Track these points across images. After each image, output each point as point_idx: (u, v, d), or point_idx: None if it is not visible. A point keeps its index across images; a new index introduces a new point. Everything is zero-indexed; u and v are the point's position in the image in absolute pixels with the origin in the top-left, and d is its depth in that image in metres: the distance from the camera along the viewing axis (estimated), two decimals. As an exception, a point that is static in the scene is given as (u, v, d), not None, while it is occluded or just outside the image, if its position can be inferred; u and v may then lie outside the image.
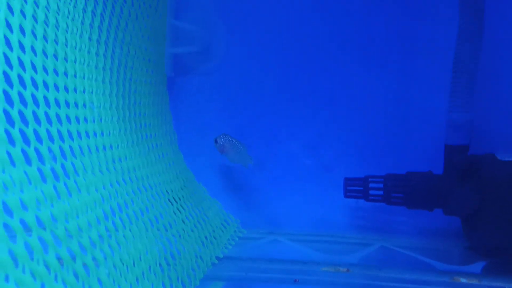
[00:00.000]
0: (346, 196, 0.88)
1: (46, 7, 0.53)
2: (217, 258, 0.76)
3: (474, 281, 0.71)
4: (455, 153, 0.84)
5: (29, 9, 0.48)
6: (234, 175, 1.01)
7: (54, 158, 0.42)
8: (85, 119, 0.55)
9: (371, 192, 0.87)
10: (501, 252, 0.80)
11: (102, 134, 0.58)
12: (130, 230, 0.52)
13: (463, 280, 0.72)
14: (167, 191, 0.74)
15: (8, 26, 0.44)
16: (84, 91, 0.57)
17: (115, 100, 0.66)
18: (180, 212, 0.73)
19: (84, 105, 0.56)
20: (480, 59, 0.83)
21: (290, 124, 1.00)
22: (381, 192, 0.86)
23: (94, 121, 0.56)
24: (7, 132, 0.36)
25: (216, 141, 0.85)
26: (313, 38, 0.98)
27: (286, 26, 0.99)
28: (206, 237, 0.77)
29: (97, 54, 0.64)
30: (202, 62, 1.01)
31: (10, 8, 0.44)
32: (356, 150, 0.97)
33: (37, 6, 0.51)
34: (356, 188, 0.88)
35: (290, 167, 1.00)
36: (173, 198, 0.76)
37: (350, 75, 0.96)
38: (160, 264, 0.56)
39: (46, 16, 0.52)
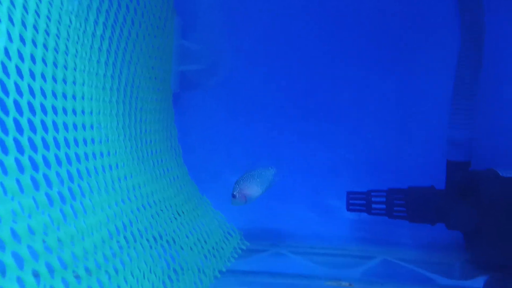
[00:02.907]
0: (348, 209, 0.89)
1: (56, 34, 0.55)
2: (220, 272, 0.76)
3: (476, 297, 0.72)
4: (456, 169, 0.85)
5: (40, 38, 0.50)
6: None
7: (62, 182, 0.43)
8: (93, 141, 0.56)
9: (373, 206, 0.87)
10: (503, 267, 0.80)
11: (109, 154, 0.59)
12: (134, 249, 0.53)
13: (464, 295, 0.73)
14: (171, 205, 0.75)
15: (20, 56, 0.46)
16: (91, 113, 0.59)
17: (122, 119, 0.67)
18: (184, 226, 0.74)
19: (92, 127, 0.57)
20: (481, 75, 0.83)
21: (294, 138, 1.00)
22: (383, 206, 0.86)
23: (101, 142, 0.58)
24: (16, 160, 0.38)
25: (234, 196, 0.73)
26: (318, 54, 0.99)
27: (291, 42, 1.00)
28: (209, 251, 0.78)
29: (104, 75, 0.66)
30: (208, 77, 1.03)
31: (22, 38, 0.46)
32: (359, 164, 0.97)
33: (48, 35, 0.53)
34: (358, 201, 0.88)
35: (294, 180, 1.01)
36: (177, 212, 0.76)
37: (354, 91, 0.97)
38: (163, 282, 0.57)
39: (57, 44, 0.54)
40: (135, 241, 0.55)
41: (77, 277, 0.39)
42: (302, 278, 0.77)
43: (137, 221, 0.58)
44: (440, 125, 0.91)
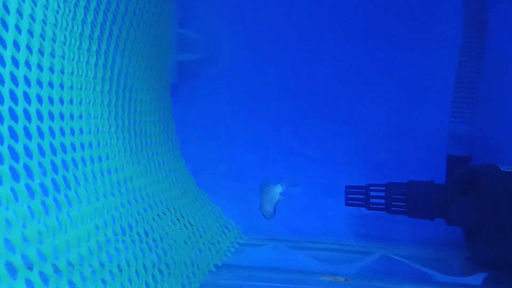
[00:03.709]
0: (347, 204, 0.87)
1: (43, 20, 0.53)
2: (215, 266, 0.75)
3: (474, 294, 0.71)
4: (457, 164, 0.83)
5: (25, 23, 0.48)
6: (237, 181, 1.00)
7: (44, 173, 0.42)
8: (81, 131, 0.55)
9: (372, 200, 0.85)
10: (503, 264, 0.78)
11: (98, 145, 0.58)
12: (123, 242, 0.52)
13: (463, 292, 0.71)
14: (166, 199, 0.74)
15: (2, 42, 0.44)
16: (80, 103, 0.57)
17: (114, 110, 0.66)
18: (178, 220, 0.73)
19: (80, 117, 0.56)
20: (482, 70, 0.81)
21: (294, 130, 0.99)
22: (382, 201, 0.85)
23: (90, 133, 0.56)
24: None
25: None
26: (318, 45, 0.97)
27: (290, 32, 0.98)
28: (204, 245, 0.77)
29: (95, 64, 0.64)
30: (206, 68, 1.01)
31: (4, 23, 0.44)
32: (358, 158, 0.96)
33: (33, 20, 0.51)
34: (357, 196, 0.87)
35: (292, 174, 0.99)
36: (172, 206, 0.75)
37: (353, 84, 0.96)
38: (153, 275, 0.55)
39: (43, 29, 0.52)
40: (124, 234, 0.53)
41: (57, 270, 0.37)
42: (298, 273, 0.76)
43: (128, 215, 0.56)
44: (441, 119, 0.90)
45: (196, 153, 1.01)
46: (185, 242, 0.72)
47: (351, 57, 0.96)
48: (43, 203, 0.40)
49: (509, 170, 0.76)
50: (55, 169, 0.45)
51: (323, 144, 0.98)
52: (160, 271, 0.58)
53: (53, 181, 0.43)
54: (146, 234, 0.62)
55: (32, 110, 0.46)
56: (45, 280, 0.35)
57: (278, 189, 0.74)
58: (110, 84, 0.67)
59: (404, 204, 0.83)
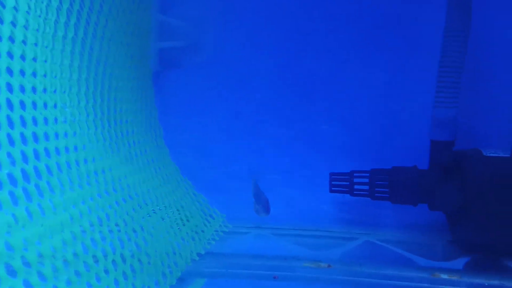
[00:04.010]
0: (331, 191, 0.87)
1: (14, 7, 0.51)
2: (199, 254, 0.75)
3: (455, 277, 0.71)
4: (440, 149, 0.82)
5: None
6: (222, 170, 1.00)
7: (13, 162, 0.41)
8: (55, 120, 0.53)
9: (356, 187, 0.86)
10: (484, 248, 0.79)
11: (75, 134, 0.57)
12: (100, 233, 0.51)
13: (444, 276, 0.71)
14: (148, 189, 0.73)
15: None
16: (55, 91, 0.56)
17: (92, 98, 0.64)
18: (160, 210, 0.72)
19: (55, 106, 0.55)
20: (466, 54, 0.80)
21: (278, 118, 0.99)
22: (366, 187, 0.85)
23: (65, 122, 0.55)
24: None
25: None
26: (305, 33, 0.96)
27: (278, 20, 0.97)
28: (187, 233, 0.77)
29: (72, 52, 0.63)
30: (190, 56, 0.99)
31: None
32: (342, 144, 0.96)
33: (4, 7, 0.49)
34: (341, 183, 0.87)
35: (277, 161, 0.99)
36: (154, 196, 0.75)
37: (340, 72, 0.95)
38: (131, 265, 0.55)
39: (15, 17, 0.51)
40: (101, 224, 0.53)
41: (26, 264, 0.37)
42: (281, 259, 0.77)
43: (106, 205, 0.55)
44: (424, 104, 0.90)
45: (180, 141, 1.00)
46: (167, 231, 0.71)
47: (338, 42, 0.95)
48: (11, 193, 0.39)
49: (493, 154, 0.77)
50: (25, 159, 0.44)
51: (307, 131, 0.98)
52: (139, 260, 0.58)
53: (23, 172, 0.42)
54: (126, 224, 0.61)
55: (1, 99, 0.45)
56: (12, 272, 0.35)
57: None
58: (88, 72, 0.66)
59: (387, 190, 0.83)
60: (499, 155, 0.77)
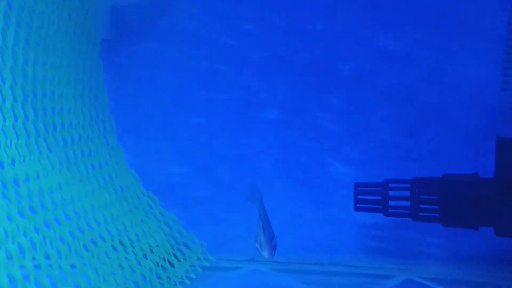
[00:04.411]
0: (356, 208, 0.88)
1: None
2: (165, 302, 0.74)
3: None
4: (510, 149, 0.82)
5: None
6: (201, 180, 1.01)
7: None
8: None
9: (391, 203, 0.86)
10: None
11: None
12: (21, 268, 0.50)
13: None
14: (91, 205, 0.72)
15: None
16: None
17: (10, 77, 0.61)
18: (105, 240, 0.70)
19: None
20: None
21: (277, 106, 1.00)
22: (407, 204, 0.85)
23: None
24: None
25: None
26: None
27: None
28: (150, 269, 0.75)
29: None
30: (152, 18, 1.00)
31: None
32: (371, 145, 0.97)
33: None
34: (371, 197, 0.88)
35: (277, 169, 1.00)
36: (102, 216, 0.73)
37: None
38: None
39: None
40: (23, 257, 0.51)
41: None
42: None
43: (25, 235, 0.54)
44: (488, 90, 0.90)
45: (139, 139, 1.01)
46: (119, 265, 0.70)
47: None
48: None
49: None
50: None
51: (320, 125, 0.99)
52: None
53: None
54: (60, 257, 0.59)
55: None
56: None
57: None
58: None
59: (437, 207, 0.83)
60: None
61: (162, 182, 0.99)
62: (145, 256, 0.77)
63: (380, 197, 0.86)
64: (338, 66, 0.98)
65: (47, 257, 0.56)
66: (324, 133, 0.99)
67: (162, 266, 0.79)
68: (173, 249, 0.86)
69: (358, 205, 0.87)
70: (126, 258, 0.72)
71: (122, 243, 0.75)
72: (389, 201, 0.86)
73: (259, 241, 0.65)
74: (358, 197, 0.87)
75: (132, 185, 0.91)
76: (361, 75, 0.97)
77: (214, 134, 1.01)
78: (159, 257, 0.80)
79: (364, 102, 0.97)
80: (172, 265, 0.83)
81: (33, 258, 0.53)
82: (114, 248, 0.72)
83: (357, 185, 0.88)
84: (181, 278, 0.82)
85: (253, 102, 1.00)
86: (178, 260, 0.85)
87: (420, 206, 0.84)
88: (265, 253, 0.64)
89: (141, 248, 0.78)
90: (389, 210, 0.86)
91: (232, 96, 1.01)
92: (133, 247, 0.76)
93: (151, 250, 0.80)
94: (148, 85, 1.01)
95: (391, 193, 0.86)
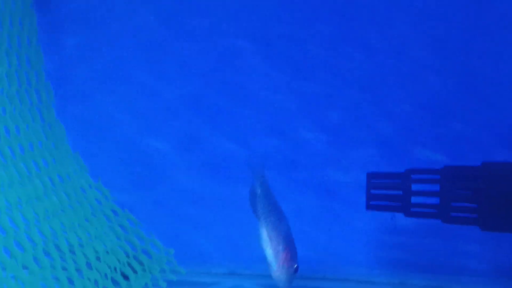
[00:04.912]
0: (369, 207, 0.89)
1: None
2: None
3: None
4: None
5: None
6: (171, 175, 1.02)
7: None
8: None
9: (414, 200, 0.86)
10: None
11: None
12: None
13: None
14: (18, 197, 0.71)
15: None
16: None
17: None
18: (35, 244, 0.70)
19: None
20: None
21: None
22: (434, 200, 0.85)
23: None
24: None
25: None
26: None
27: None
28: (96, 282, 0.76)
29: None
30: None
31: None
32: (390, 130, 0.99)
33: None
34: (387, 192, 0.88)
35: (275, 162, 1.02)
36: (33, 212, 0.73)
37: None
38: None
39: None
40: None
41: None
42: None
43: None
44: None
45: (87, 119, 1.03)
46: (54, 277, 0.70)
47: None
48: None
49: None
50: None
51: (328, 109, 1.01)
52: None
53: None
54: None
55: None
56: None
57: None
58: None
59: (475, 205, 0.84)
60: None
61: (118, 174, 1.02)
62: (89, 265, 0.78)
63: (400, 192, 0.87)
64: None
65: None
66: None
67: (112, 278, 0.80)
68: (128, 257, 0.87)
69: (371, 202, 0.88)
70: (63, 267, 0.73)
71: (58, 248, 0.75)
72: (412, 197, 0.86)
73: (271, 255, 0.58)
74: (371, 191, 0.88)
75: (75, 173, 0.92)
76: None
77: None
78: (109, 266, 0.81)
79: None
80: (126, 277, 0.84)
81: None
82: (47, 254, 0.72)
83: (370, 175, 0.88)
84: (139, 296, 0.82)
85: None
86: (135, 272, 0.86)
87: (452, 204, 0.84)
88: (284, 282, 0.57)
89: (85, 255, 0.78)
90: (412, 209, 0.86)
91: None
92: (73, 253, 0.76)
93: (98, 258, 0.80)
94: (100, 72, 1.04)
95: (414, 186, 0.86)
